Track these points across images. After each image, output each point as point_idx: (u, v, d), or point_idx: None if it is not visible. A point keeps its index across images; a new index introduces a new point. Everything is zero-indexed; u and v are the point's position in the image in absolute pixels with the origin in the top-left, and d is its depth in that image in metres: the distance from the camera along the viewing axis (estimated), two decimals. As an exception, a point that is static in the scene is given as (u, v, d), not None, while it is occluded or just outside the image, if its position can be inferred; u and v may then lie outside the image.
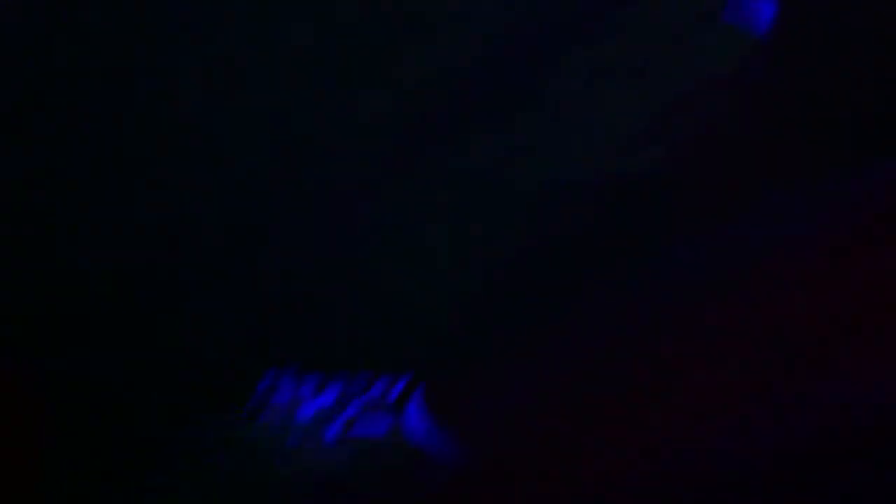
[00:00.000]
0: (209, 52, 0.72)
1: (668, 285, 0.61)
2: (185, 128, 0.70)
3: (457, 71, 0.71)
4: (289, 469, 0.63)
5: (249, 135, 0.70)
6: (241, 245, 0.67)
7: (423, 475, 0.61)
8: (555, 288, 0.64)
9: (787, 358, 0.56)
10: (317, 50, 0.73)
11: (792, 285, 0.58)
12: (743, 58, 0.66)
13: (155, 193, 0.68)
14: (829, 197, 0.62)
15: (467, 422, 0.62)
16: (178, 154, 0.69)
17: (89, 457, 0.60)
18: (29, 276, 0.65)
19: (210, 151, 0.69)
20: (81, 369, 0.62)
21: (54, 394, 0.62)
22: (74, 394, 0.62)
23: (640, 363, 0.59)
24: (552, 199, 0.66)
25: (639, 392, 0.58)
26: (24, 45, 0.71)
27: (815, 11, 0.67)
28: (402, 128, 0.70)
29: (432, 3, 0.70)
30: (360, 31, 0.72)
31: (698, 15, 0.66)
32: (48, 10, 0.71)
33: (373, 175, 0.68)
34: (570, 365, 0.61)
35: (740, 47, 0.66)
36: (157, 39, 0.72)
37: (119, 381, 0.62)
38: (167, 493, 0.62)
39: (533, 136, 0.68)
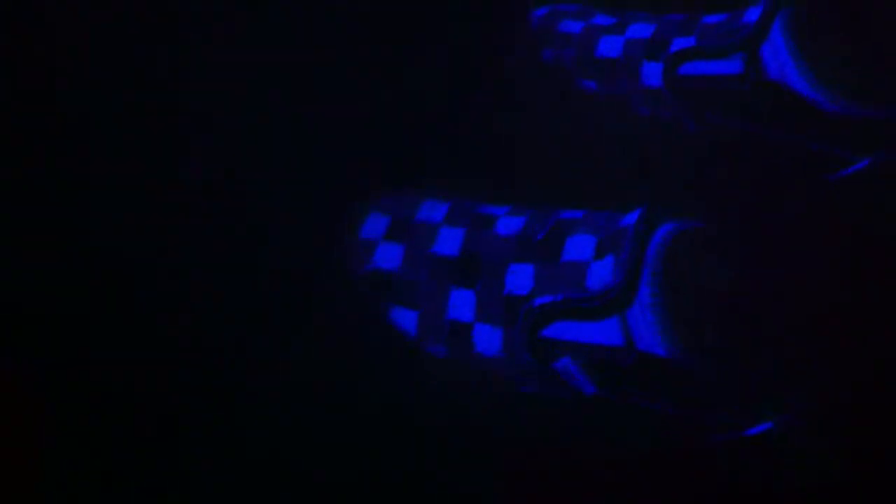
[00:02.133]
0: (209, 51, 0.72)
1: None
2: (185, 128, 0.70)
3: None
4: None
5: (250, 134, 0.71)
6: (241, 245, 0.67)
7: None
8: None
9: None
10: (317, 50, 0.73)
11: None
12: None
13: (155, 193, 0.68)
14: None
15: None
16: (178, 153, 0.69)
17: (89, 457, 0.60)
18: (29, 276, 0.65)
19: (210, 151, 0.70)
20: (81, 369, 0.62)
21: (54, 394, 0.62)
22: (74, 394, 0.62)
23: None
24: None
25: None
26: (23, 42, 0.71)
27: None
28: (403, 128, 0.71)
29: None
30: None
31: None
32: (50, 8, 0.71)
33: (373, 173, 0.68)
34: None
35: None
36: (157, 38, 0.72)
37: (119, 381, 0.62)
38: None
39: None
